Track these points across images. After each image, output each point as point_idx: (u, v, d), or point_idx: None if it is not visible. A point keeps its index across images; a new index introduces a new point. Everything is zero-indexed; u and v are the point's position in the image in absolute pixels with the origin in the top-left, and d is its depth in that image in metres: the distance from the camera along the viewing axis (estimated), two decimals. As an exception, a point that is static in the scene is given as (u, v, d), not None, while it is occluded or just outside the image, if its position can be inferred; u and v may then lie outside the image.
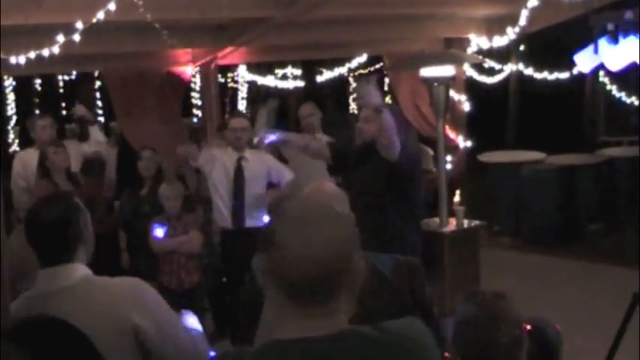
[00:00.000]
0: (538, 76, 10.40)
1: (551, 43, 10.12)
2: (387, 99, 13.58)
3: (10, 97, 13.89)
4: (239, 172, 6.43)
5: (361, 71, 15.07)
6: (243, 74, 15.17)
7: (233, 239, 6.37)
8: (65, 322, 2.18)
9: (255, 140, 6.08)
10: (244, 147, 6.48)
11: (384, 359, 1.76)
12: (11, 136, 13.53)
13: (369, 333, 1.80)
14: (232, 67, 14.34)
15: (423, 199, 5.81)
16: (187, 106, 10.87)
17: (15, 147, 13.28)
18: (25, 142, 7.92)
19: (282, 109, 15.33)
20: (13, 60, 6.88)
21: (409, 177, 5.38)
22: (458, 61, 8.71)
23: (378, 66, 13.85)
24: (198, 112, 10.55)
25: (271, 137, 5.82)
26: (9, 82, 13.36)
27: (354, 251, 1.81)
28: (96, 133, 7.87)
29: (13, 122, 13.94)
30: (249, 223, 6.37)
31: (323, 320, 1.78)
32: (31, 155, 7.27)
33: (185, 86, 10.33)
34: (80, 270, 2.78)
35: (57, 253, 2.76)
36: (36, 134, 7.40)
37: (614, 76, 9.91)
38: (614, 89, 10.43)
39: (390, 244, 4.42)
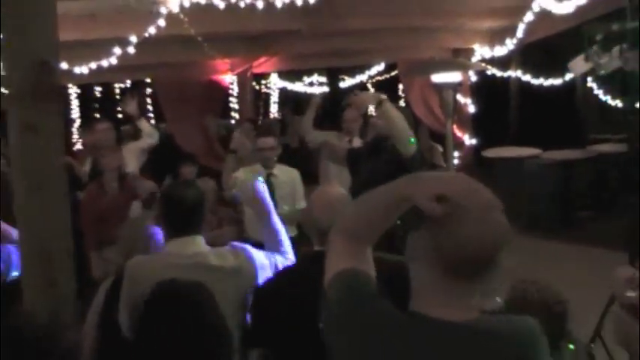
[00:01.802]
0: (535, 81, 10.33)
1: (547, 52, 10.05)
2: (401, 102, 13.56)
3: (74, 103, 14.04)
4: (269, 188, 6.09)
5: (379, 78, 15.04)
6: (275, 81, 15.19)
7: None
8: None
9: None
10: (273, 164, 6.04)
11: (506, 350, 1.69)
12: (75, 136, 13.66)
13: (491, 325, 1.73)
14: (265, 75, 14.35)
15: None
16: (226, 110, 10.90)
17: (79, 146, 13.40)
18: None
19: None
20: (77, 70, 6.94)
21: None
22: (465, 69, 8.68)
23: (393, 73, 13.81)
24: (236, 115, 10.59)
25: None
26: (73, 90, 13.50)
27: (507, 243, 1.74)
28: (144, 126, 7.74)
29: (76, 124, 14.09)
30: None
31: (462, 301, 1.72)
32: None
33: (224, 92, 10.37)
34: (203, 242, 3.14)
35: (190, 226, 3.10)
36: (97, 137, 7.33)
37: (602, 81, 9.84)
38: (601, 93, 10.36)
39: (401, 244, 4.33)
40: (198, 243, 3.11)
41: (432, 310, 1.70)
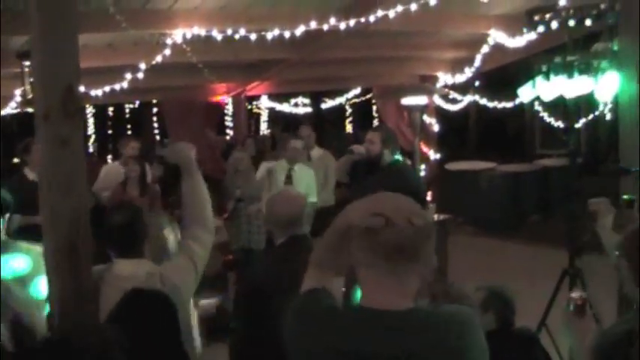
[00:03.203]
0: (490, 104, 10.48)
1: (500, 79, 10.19)
2: (375, 121, 13.64)
3: (90, 121, 14.03)
4: (289, 180, 6.48)
5: (356, 100, 15.10)
6: (264, 102, 15.21)
7: None
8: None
9: None
10: (297, 162, 6.60)
11: (441, 334, 1.67)
12: (90, 150, 13.64)
13: (429, 312, 1.72)
14: (256, 97, 14.37)
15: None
16: (222, 126, 10.93)
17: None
18: (103, 154, 7.93)
19: (295, 129, 15.42)
20: (93, 93, 6.96)
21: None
22: (430, 93, 8.78)
23: (369, 96, 13.89)
24: (231, 132, 10.63)
25: None
26: (89, 110, 13.48)
27: (426, 233, 1.76)
28: None
29: (92, 140, 14.08)
30: None
31: (399, 290, 1.71)
32: (114, 167, 7.23)
33: (221, 111, 10.40)
34: (147, 265, 2.69)
35: (127, 249, 2.68)
36: (126, 151, 7.33)
37: (546, 105, 9.99)
38: (546, 115, 10.52)
39: None
40: (137, 266, 2.67)
41: (375, 302, 1.70)
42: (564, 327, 2.64)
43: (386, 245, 1.70)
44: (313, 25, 6.05)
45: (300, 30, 6.09)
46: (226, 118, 10.67)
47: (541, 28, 5.05)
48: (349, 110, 17.17)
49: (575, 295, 2.58)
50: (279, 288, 2.58)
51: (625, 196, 3.58)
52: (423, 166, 8.90)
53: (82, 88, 2.82)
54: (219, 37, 6.09)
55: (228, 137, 11.01)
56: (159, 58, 6.32)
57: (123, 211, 2.79)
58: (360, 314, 1.72)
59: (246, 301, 2.82)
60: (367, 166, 5.12)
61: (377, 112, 13.44)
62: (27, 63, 5.37)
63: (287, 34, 6.15)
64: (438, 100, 10.21)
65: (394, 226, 1.69)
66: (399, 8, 5.74)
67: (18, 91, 6.61)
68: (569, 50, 4.85)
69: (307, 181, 6.52)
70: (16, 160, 9.51)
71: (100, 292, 2.63)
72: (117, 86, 6.82)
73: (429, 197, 8.17)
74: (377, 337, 1.67)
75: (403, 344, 1.65)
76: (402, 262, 1.71)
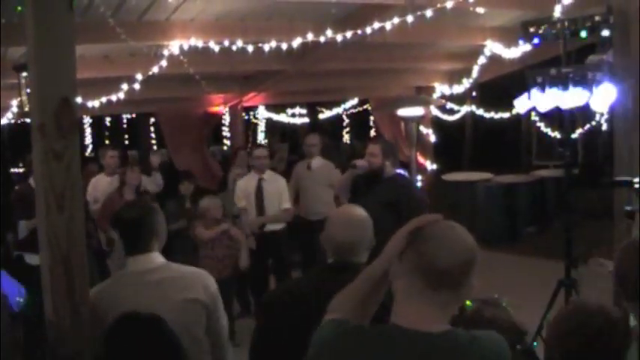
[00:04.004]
0: (487, 115, 10.50)
1: (496, 90, 10.22)
2: (372, 132, 13.66)
3: (87, 131, 14.02)
4: (259, 189, 6.43)
5: (353, 110, 15.12)
6: (262, 113, 15.22)
7: (256, 240, 6.35)
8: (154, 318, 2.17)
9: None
10: (264, 170, 6.49)
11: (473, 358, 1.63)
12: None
13: (465, 337, 1.67)
14: (254, 107, 14.38)
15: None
16: (219, 137, 10.94)
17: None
18: (99, 166, 7.92)
19: (292, 139, 15.45)
20: (89, 104, 6.95)
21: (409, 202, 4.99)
22: (426, 104, 8.79)
23: (366, 106, 13.91)
24: (228, 142, 10.63)
25: None
26: (86, 120, 13.47)
27: (476, 259, 1.76)
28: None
29: (89, 149, 14.06)
30: (268, 227, 6.43)
31: (437, 313, 1.67)
32: (101, 179, 7.22)
33: (218, 122, 10.39)
34: (158, 258, 2.75)
35: (138, 245, 2.71)
36: (105, 161, 7.36)
37: (542, 116, 10.01)
38: (542, 126, 10.54)
39: None
40: (151, 261, 2.74)
41: (409, 321, 1.65)
42: None
43: (429, 272, 1.66)
44: (310, 36, 6.06)
45: (296, 42, 6.10)
46: (223, 128, 10.67)
47: (536, 40, 5.07)
48: (346, 120, 17.21)
49: None
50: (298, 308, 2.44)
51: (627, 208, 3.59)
52: (419, 177, 8.90)
53: (78, 99, 2.82)
54: (216, 48, 6.10)
55: (225, 147, 11.01)
56: (155, 69, 6.32)
57: (136, 208, 2.84)
58: (392, 334, 1.66)
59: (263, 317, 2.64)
60: (368, 178, 5.10)
61: (374, 122, 13.46)
62: (24, 74, 5.37)
63: (284, 46, 6.16)
64: (435, 111, 10.23)
65: (435, 224, 1.74)
66: (396, 20, 5.76)
67: (15, 102, 6.61)
68: (564, 62, 4.87)
69: (278, 187, 6.50)
70: (12, 169, 9.48)
71: (119, 296, 2.63)
72: (113, 97, 6.81)
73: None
74: (410, 358, 1.62)
75: None
76: (445, 290, 1.67)
